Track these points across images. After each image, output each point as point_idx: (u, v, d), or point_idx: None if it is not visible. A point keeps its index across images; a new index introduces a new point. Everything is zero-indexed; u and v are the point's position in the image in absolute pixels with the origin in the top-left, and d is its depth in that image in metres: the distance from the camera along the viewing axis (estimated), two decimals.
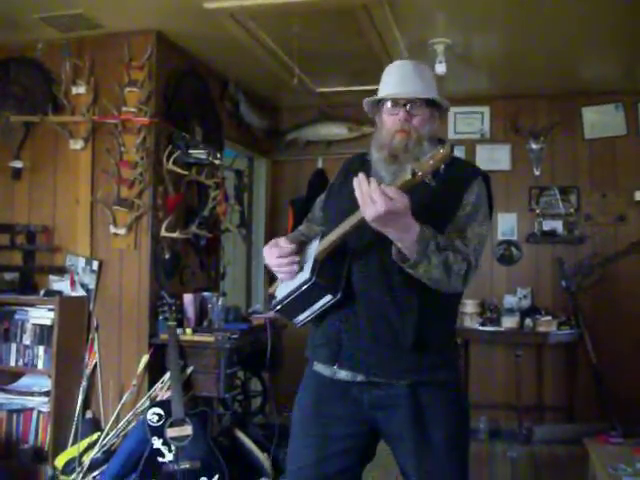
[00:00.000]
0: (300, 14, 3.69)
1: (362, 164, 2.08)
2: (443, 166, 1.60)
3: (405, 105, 1.95)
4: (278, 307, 1.99)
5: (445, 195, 1.87)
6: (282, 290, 2.01)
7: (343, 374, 1.97)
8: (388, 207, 1.62)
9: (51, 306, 3.84)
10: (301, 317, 2.00)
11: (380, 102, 2.04)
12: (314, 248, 1.94)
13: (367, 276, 1.92)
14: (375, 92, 2.08)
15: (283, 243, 1.99)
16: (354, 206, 1.70)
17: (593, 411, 5.03)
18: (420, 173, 1.59)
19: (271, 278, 2.25)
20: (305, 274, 1.89)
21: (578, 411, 5.13)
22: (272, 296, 2.06)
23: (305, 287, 1.87)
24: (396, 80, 2.00)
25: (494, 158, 5.47)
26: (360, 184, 1.68)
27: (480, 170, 2.04)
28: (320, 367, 2.04)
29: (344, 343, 1.95)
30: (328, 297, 1.90)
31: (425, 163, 1.59)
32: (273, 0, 3.50)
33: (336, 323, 1.96)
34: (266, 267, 2.09)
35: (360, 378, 1.94)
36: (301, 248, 2.05)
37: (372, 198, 1.63)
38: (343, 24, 3.85)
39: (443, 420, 1.93)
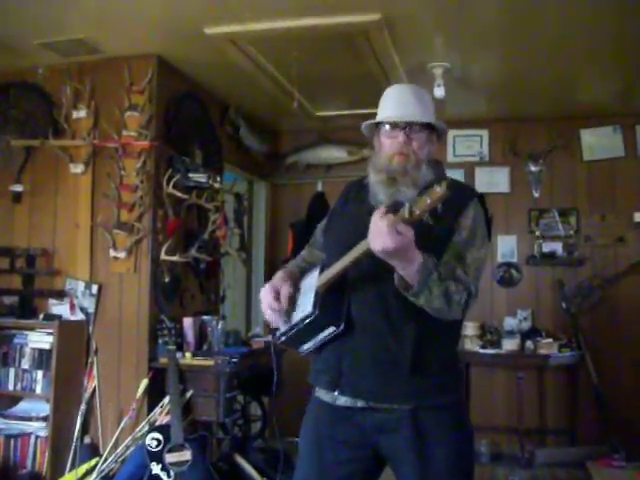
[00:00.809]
0: (300, 39, 3.72)
1: (361, 188, 2.08)
2: (440, 205, 1.60)
3: (404, 128, 1.95)
4: (282, 339, 2.00)
5: (441, 220, 1.85)
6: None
7: (343, 400, 1.95)
8: (396, 244, 1.63)
9: (50, 330, 3.83)
10: (305, 347, 2.01)
11: (379, 125, 2.04)
12: (314, 278, 1.94)
13: (365, 303, 1.92)
14: (374, 116, 2.08)
15: (284, 291, 1.97)
16: (354, 231, 1.70)
17: (595, 434, 5.00)
18: (418, 212, 1.60)
19: None
20: (307, 307, 1.89)
21: (580, 434, 5.08)
22: (275, 328, 2.05)
23: (308, 320, 1.88)
24: (395, 103, 2.01)
25: (493, 181, 5.49)
26: (375, 215, 1.68)
27: (475, 192, 2.04)
28: (321, 393, 2.03)
29: (344, 369, 1.94)
30: (331, 329, 1.91)
31: (422, 202, 1.59)
32: (273, 26, 3.54)
33: (336, 350, 1.96)
34: None
35: (361, 404, 1.93)
36: (301, 279, 2.05)
37: (382, 232, 1.63)
38: (342, 49, 3.88)
39: (445, 444, 1.90)
